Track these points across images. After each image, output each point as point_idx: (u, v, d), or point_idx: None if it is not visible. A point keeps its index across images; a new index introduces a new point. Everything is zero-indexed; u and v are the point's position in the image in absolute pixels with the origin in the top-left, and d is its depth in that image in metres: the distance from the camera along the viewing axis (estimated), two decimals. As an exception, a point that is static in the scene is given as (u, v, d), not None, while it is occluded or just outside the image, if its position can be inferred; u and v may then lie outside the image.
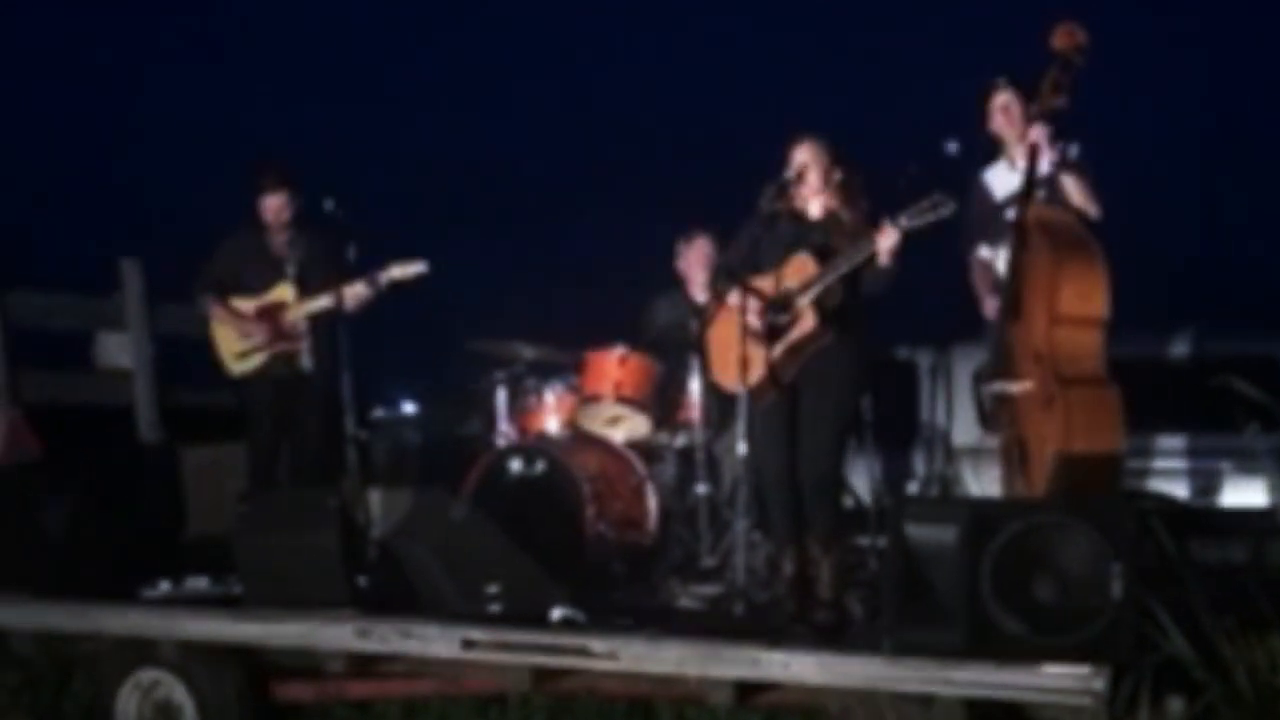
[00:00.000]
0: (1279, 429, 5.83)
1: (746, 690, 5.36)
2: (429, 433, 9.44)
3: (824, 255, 6.05)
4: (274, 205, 7.55)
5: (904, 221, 5.83)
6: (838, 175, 6.23)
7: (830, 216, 6.21)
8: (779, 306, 6.06)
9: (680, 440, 7.41)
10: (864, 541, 6.94)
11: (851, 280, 6.01)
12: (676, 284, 7.81)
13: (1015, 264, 6.14)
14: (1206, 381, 6.19)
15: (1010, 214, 6.28)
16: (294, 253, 7.59)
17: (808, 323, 6.04)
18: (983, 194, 6.52)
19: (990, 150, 6.56)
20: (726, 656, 5.26)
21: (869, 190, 6.16)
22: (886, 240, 5.85)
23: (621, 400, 7.29)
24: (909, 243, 5.92)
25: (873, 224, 5.94)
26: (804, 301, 6.03)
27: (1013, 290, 6.15)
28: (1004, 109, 6.39)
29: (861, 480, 7.74)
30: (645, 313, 7.85)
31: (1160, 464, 7.87)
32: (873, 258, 5.92)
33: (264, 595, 6.24)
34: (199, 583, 6.82)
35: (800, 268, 6.08)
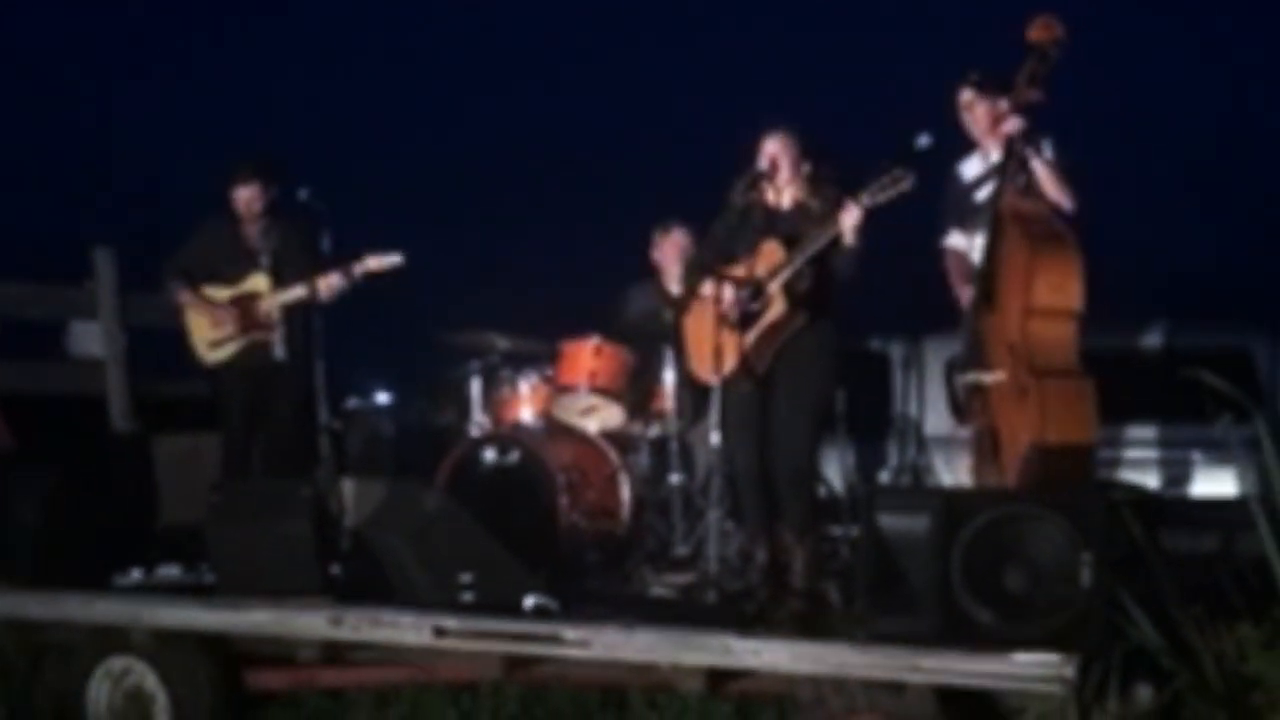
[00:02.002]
0: (1250, 420, 5.87)
1: (718, 678, 5.36)
2: (403, 423, 9.41)
3: (793, 242, 6.09)
4: (245, 197, 7.55)
5: (866, 199, 5.88)
6: (807, 166, 6.27)
7: (800, 207, 6.25)
8: (750, 293, 6.09)
9: (654, 430, 7.42)
10: (836, 531, 6.97)
11: (821, 264, 6.04)
12: (651, 274, 7.82)
13: (990, 255, 6.16)
14: (1178, 373, 6.22)
15: (980, 195, 6.30)
16: (268, 243, 7.59)
17: (778, 308, 6.07)
18: (955, 181, 6.54)
19: (965, 144, 6.58)
20: (698, 644, 5.27)
21: (839, 181, 6.19)
22: (850, 218, 5.89)
23: (596, 390, 7.30)
24: (882, 232, 5.96)
25: (839, 208, 5.97)
26: (774, 287, 6.06)
27: (987, 281, 6.17)
28: (968, 106, 6.40)
29: (834, 470, 7.78)
30: (618, 302, 7.87)
31: (1132, 454, 7.92)
32: (839, 238, 5.95)
33: (236, 584, 6.23)
34: (171, 571, 6.82)
35: (770, 254, 6.11)
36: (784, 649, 5.13)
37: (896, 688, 4.98)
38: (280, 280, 7.49)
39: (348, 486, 7.53)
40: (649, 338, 7.39)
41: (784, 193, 6.30)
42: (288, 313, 7.50)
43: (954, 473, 7.65)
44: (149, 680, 6.30)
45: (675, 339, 6.95)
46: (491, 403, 7.64)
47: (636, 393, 7.36)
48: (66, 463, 7.32)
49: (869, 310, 7.48)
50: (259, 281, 7.53)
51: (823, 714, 5.12)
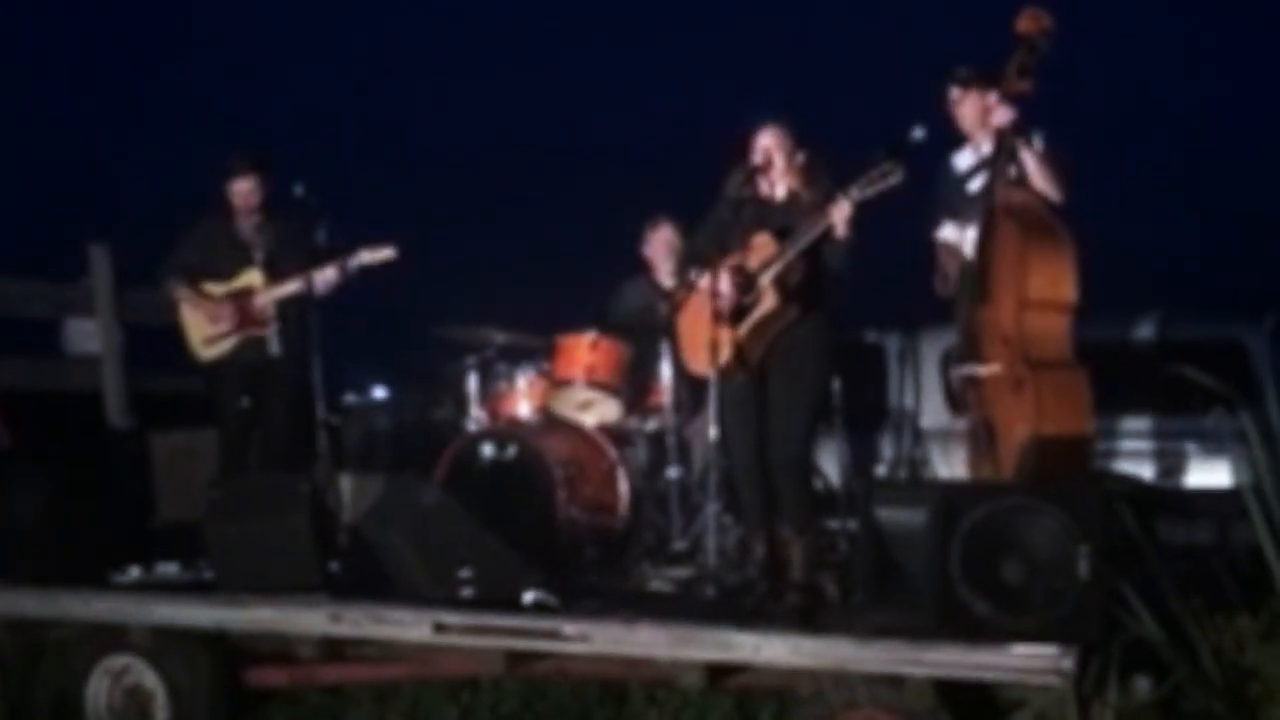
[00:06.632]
0: (1243, 411, 5.88)
1: (718, 672, 5.39)
2: (400, 418, 9.42)
3: (785, 235, 6.08)
4: (242, 190, 7.53)
5: (855, 192, 5.86)
6: (801, 157, 6.27)
7: (794, 198, 6.24)
8: (742, 286, 6.09)
9: (651, 424, 7.42)
10: (834, 524, 6.98)
11: (813, 257, 6.04)
12: (642, 269, 7.83)
13: (983, 248, 6.17)
14: (1172, 365, 6.23)
15: (973, 186, 6.31)
16: (263, 238, 7.58)
17: (770, 301, 6.06)
18: (948, 173, 6.55)
19: (958, 137, 6.58)
20: (698, 639, 5.28)
21: (832, 171, 6.18)
22: (840, 212, 5.87)
23: (593, 384, 7.31)
24: (879, 224, 5.95)
25: (830, 200, 5.97)
26: (765, 280, 6.06)
27: (981, 274, 6.18)
28: (956, 102, 6.42)
29: (831, 463, 7.78)
30: (612, 297, 7.87)
31: (1127, 445, 7.93)
32: (830, 231, 5.94)
33: (235, 580, 6.24)
34: (169, 568, 6.81)
35: (761, 248, 6.11)
36: (783, 643, 5.13)
37: (896, 681, 5.00)
38: (275, 275, 7.48)
39: (345, 482, 7.54)
40: (644, 332, 7.39)
41: (778, 185, 6.29)
42: (283, 308, 7.49)
43: (951, 465, 7.67)
44: (148, 678, 6.32)
45: (670, 334, 6.94)
46: (489, 397, 7.64)
47: (633, 387, 7.36)
48: (64, 460, 7.33)
49: (865, 302, 7.48)
50: (254, 277, 7.51)
51: (822, 708, 5.14)
